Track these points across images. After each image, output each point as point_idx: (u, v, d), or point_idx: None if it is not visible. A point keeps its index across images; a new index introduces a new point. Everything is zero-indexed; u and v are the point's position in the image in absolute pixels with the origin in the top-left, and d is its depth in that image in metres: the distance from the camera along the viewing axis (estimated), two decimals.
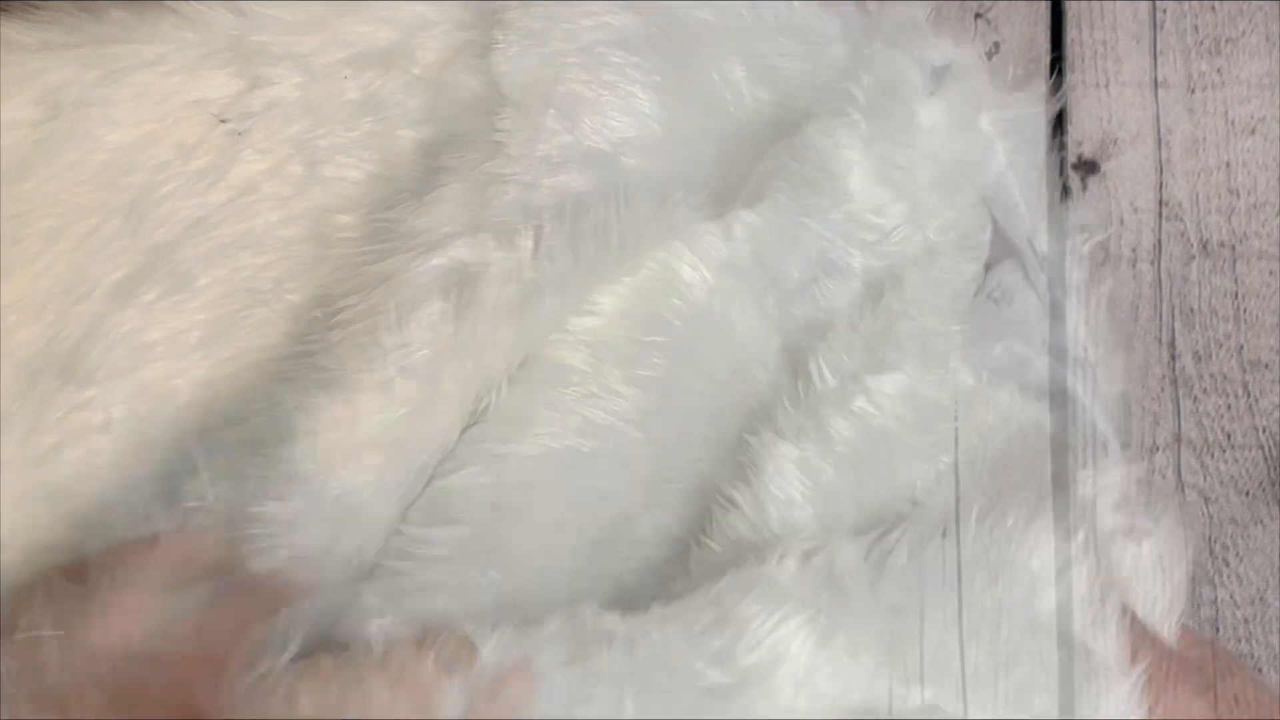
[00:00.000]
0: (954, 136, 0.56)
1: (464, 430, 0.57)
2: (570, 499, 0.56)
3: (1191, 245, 0.66)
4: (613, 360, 0.56)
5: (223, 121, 0.61)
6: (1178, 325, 0.65)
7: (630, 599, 0.54)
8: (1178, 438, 0.64)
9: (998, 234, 0.65)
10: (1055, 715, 0.49)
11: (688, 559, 0.55)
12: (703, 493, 0.57)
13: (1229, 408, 0.65)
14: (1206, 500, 0.64)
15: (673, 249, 0.56)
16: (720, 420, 0.57)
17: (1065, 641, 0.49)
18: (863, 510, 0.55)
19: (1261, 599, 0.64)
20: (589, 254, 0.55)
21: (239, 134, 0.61)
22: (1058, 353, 0.65)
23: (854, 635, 0.48)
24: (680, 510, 0.57)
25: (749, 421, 0.57)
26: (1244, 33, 0.67)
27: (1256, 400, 0.65)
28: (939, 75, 0.56)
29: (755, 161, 0.57)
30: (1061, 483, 0.64)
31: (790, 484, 0.54)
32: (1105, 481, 0.55)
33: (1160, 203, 0.66)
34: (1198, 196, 0.66)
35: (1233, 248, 0.66)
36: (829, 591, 0.49)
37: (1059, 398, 0.65)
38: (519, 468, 0.56)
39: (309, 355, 0.59)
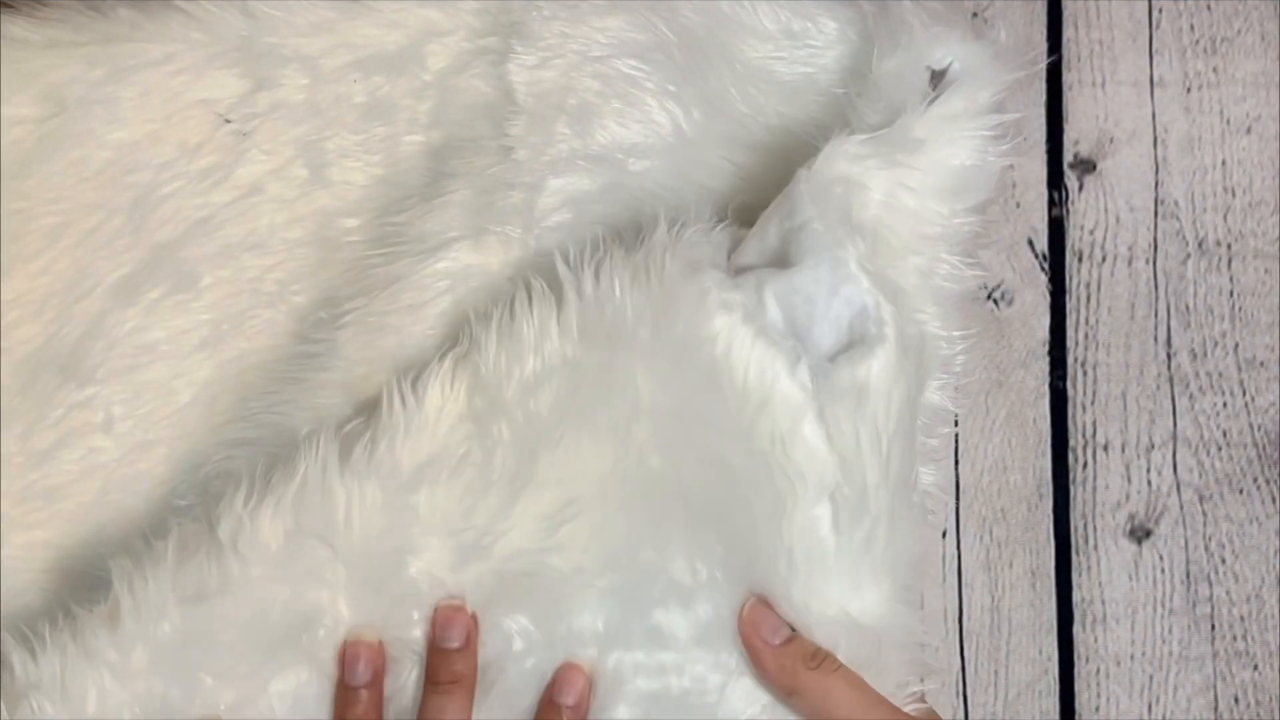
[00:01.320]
0: (955, 141, 0.56)
1: None
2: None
3: (1188, 244, 0.66)
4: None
5: (227, 121, 0.61)
6: (1174, 324, 0.66)
7: None
8: (1174, 436, 0.65)
9: (996, 235, 0.65)
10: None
11: None
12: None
13: (1225, 406, 0.65)
14: (1203, 498, 0.64)
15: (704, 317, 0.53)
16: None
17: None
18: None
19: (1258, 596, 0.64)
20: (624, 339, 0.54)
21: (244, 134, 0.61)
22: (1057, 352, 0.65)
23: None
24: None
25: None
26: (1240, 32, 0.67)
27: (1253, 398, 0.65)
28: (938, 78, 0.56)
29: (761, 168, 0.57)
30: (1062, 483, 0.65)
31: None
32: None
33: (1157, 201, 0.66)
34: (1194, 195, 0.66)
35: (1229, 246, 0.66)
36: None
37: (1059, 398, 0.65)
38: None
39: (314, 356, 0.59)
